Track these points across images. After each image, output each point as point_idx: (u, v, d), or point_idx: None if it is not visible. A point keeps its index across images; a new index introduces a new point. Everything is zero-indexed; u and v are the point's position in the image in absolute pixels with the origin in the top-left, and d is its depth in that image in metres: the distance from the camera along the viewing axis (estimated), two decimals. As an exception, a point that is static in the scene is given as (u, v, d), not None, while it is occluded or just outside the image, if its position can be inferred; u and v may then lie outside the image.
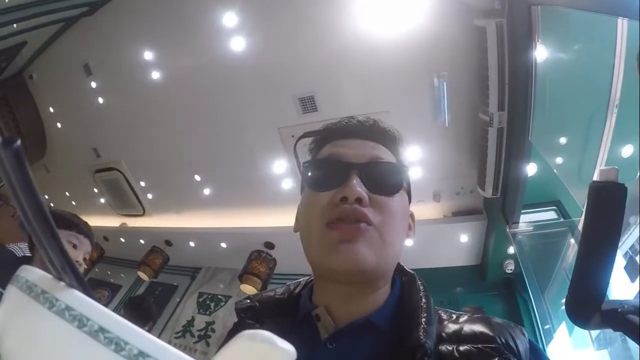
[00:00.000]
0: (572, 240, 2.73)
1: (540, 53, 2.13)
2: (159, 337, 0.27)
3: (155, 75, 3.53)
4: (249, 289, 4.06)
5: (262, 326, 0.64)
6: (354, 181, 0.60)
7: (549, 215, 3.10)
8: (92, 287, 0.31)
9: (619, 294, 1.80)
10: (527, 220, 3.03)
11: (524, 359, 0.53)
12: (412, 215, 0.71)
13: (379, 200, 0.61)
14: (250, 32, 2.98)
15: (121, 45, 3.53)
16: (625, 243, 1.93)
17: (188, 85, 3.52)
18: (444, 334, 0.57)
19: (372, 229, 0.59)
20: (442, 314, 0.62)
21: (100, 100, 4.05)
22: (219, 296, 4.73)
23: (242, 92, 3.36)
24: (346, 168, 0.62)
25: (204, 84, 3.44)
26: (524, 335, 0.57)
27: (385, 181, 0.63)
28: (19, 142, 0.24)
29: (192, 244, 4.82)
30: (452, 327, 0.58)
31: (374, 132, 0.70)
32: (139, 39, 3.40)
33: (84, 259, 1.47)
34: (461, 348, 0.54)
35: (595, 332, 2.18)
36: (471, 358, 0.52)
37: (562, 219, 2.98)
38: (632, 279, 1.78)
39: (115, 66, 3.75)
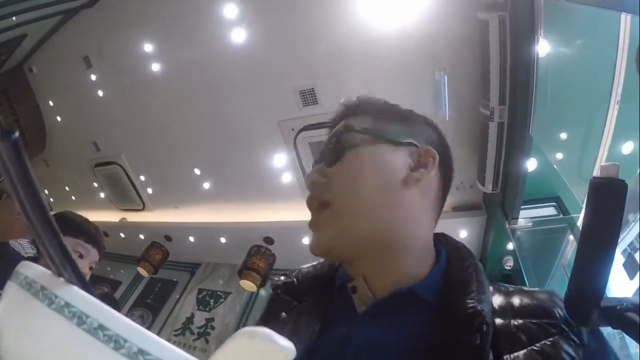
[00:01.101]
0: (572, 237, 2.73)
1: (543, 47, 2.12)
2: (158, 334, 0.27)
3: (156, 67, 3.52)
4: (248, 285, 4.07)
5: (299, 303, 0.63)
6: (312, 168, 0.62)
7: (549, 211, 3.10)
8: (91, 283, 0.31)
9: (618, 291, 1.81)
10: (526, 215, 3.03)
11: (583, 335, 0.50)
12: (427, 151, 0.62)
13: (331, 172, 0.61)
14: (251, 24, 2.97)
15: (121, 38, 3.52)
16: (624, 240, 1.93)
17: (188, 78, 3.51)
18: (496, 307, 0.54)
19: (328, 210, 0.59)
20: (496, 291, 0.58)
21: (100, 93, 4.04)
22: (219, 292, 4.73)
23: (242, 85, 3.34)
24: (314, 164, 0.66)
25: (204, 77, 3.43)
26: None
27: (332, 152, 0.62)
28: (17, 133, 0.24)
29: (191, 239, 4.82)
30: (503, 299, 0.55)
31: (340, 113, 0.71)
32: (139, 31, 3.39)
33: (91, 268, 1.42)
34: (516, 322, 0.51)
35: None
36: (529, 334, 0.49)
37: (561, 215, 2.98)
38: (631, 277, 1.78)
39: (115, 59, 3.73)
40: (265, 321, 0.65)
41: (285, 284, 0.68)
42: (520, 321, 0.51)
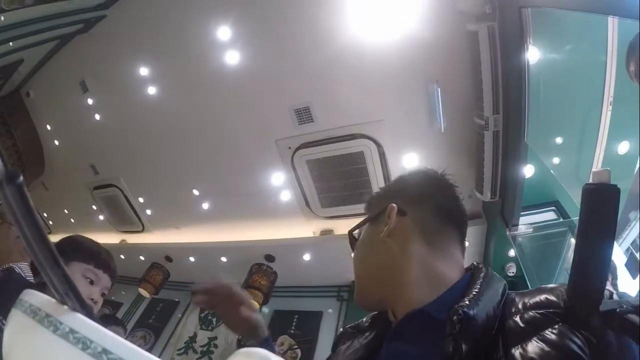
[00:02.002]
0: (573, 240, 2.72)
1: (533, 54, 2.15)
2: (161, 354, 0.28)
3: (151, 90, 3.55)
4: (251, 302, 4.04)
5: (360, 332, 0.79)
6: None
7: (549, 215, 3.10)
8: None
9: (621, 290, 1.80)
10: (526, 222, 3.03)
11: (596, 330, 0.50)
12: (387, 209, 0.77)
13: None
14: (244, 46, 3.00)
15: (116, 62, 3.55)
16: (626, 240, 1.93)
17: (184, 100, 3.54)
18: (513, 308, 0.58)
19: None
20: (515, 295, 0.62)
21: (97, 116, 4.07)
22: (221, 311, 4.70)
23: (238, 105, 3.37)
24: None
25: (199, 98, 3.45)
26: None
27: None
28: (21, 177, 0.25)
29: (192, 259, 4.80)
30: (521, 300, 0.59)
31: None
32: (134, 55, 3.43)
33: (103, 294, 1.33)
34: (526, 316, 0.54)
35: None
36: (535, 325, 0.52)
37: (561, 219, 2.98)
38: (633, 276, 1.78)
39: (111, 82, 3.77)
40: (334, 346, 0.84)
41: (356, 323, 0.84)
42: (530, 314, 0.54)
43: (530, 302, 0.56)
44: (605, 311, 0.47)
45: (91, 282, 1.29)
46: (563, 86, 2.35)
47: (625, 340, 0.49)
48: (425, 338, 0.61)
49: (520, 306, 0.57)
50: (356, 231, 0.86)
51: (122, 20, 3.28)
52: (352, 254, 0.84)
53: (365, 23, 2.66)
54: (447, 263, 0.73)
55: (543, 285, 0.60)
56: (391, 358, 0.65)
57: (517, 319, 0.55)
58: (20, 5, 2.74)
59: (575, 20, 1.92)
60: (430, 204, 0.78)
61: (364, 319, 0.83)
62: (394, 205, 0.76)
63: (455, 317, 0.54)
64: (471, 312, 0.55)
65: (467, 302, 0.57)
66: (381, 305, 0.76)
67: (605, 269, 0.47)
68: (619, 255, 1.85)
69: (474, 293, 0.60)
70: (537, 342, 0.49)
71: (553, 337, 0.49)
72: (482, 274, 0.67)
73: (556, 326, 0.50)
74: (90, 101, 3.99)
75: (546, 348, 0.48)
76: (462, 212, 0.82)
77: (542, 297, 0.56)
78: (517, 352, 0.50)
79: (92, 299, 1.27)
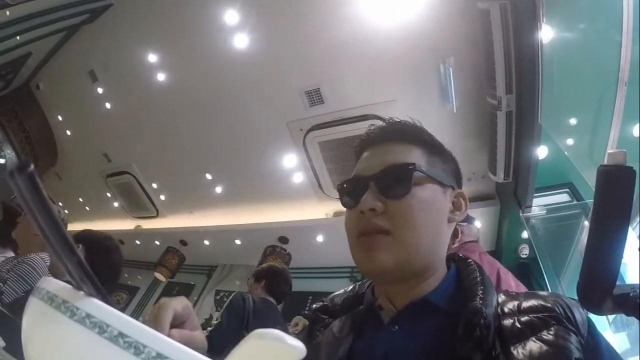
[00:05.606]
0: (586, 223, 2.69)
1: (546, 34, 2.09)
2: (177, 338, 0.28)
3: (161, 77, 3.55)
4: (265, 285, 4.10)
5: (333, 319, 0.74)
6: (366, 195, 0.65)
7: (562, 197, 3.06)
8: (109, 290, 0.32)
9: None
10: (540, 203, 2.99)
11: (581, 329, 0.55)
12: (459, 195, 0.73)
13: (393, 205, 0.65)
14: (253, 29, 2.98)
15: (124, 50, 3.56)
16: (640, 224, 1.90)
17: (194, 84, 3.55)
18: (505, 309, 0.61)
19: (388, 237, 0.63)
20: (503, 295, 0.65)
21: (108, 105, 4.10)
22: (236, 293, 4.77)
23: (248, 89, 3.37)
24: (363, 183, 0.68)
25: (209, 83, 3.45)
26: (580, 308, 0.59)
27: (396, 185, 0.66)
28: (32, 166, 0.25)
29: (206, 242, 4.87)
30: (512, 302, 0.62)
31: (391, 133, 0.74)
32: (141, 42, 3.43)
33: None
34: (522, 319, 0.57)
35: (612, 316, 2.16)
36: (532, 327, 0.55)
37: (575, 201, 2.94)
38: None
39: (120, 71, 3.79)
40: (308, 335, 0.75)
41: (322, 305, 0.79)
42: (526, 317, 0.57)
43: (525, 306, 0.60)
44: (619, 295, 0.47)
45: None
46: (577, 66, 2.30)
47: (606, 343, 0.57)
48: (427, 327, 0.63)
49: (514, 309, 0.60)
50: (416, 172, 0.67)
51: (128, 8, 3.28)
52: (408, 201, 0.65)
53: (376, 4, 2.62)
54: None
55: (534, 291, 0.65)
56: (393, 353, 0.61)
57: (514, 320, 0.58)
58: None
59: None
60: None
61: (328, 301, 0.79)
62: (467, 198, 0.74)
63: (481, 320, 0.55)
64: (484, 309, 0.57)
65: (480, 302, 0.59)
66: (384, 284, 0.70)
67: (619, 252, 0.47)
68: (632, 240, 1.82)
69: (482, 294, 0.61)
70: (535, 341, 0.53)
71: (550, 337, 0.53)
72: (477, 271, 0.68)
73: (552, 328, 0.54)
74: (100, 90, 4.01)
75: (544, 347, 0.52)
76: None
77: (537, 302, 0.59)
78: (516, 350, 0.54)
79: None
